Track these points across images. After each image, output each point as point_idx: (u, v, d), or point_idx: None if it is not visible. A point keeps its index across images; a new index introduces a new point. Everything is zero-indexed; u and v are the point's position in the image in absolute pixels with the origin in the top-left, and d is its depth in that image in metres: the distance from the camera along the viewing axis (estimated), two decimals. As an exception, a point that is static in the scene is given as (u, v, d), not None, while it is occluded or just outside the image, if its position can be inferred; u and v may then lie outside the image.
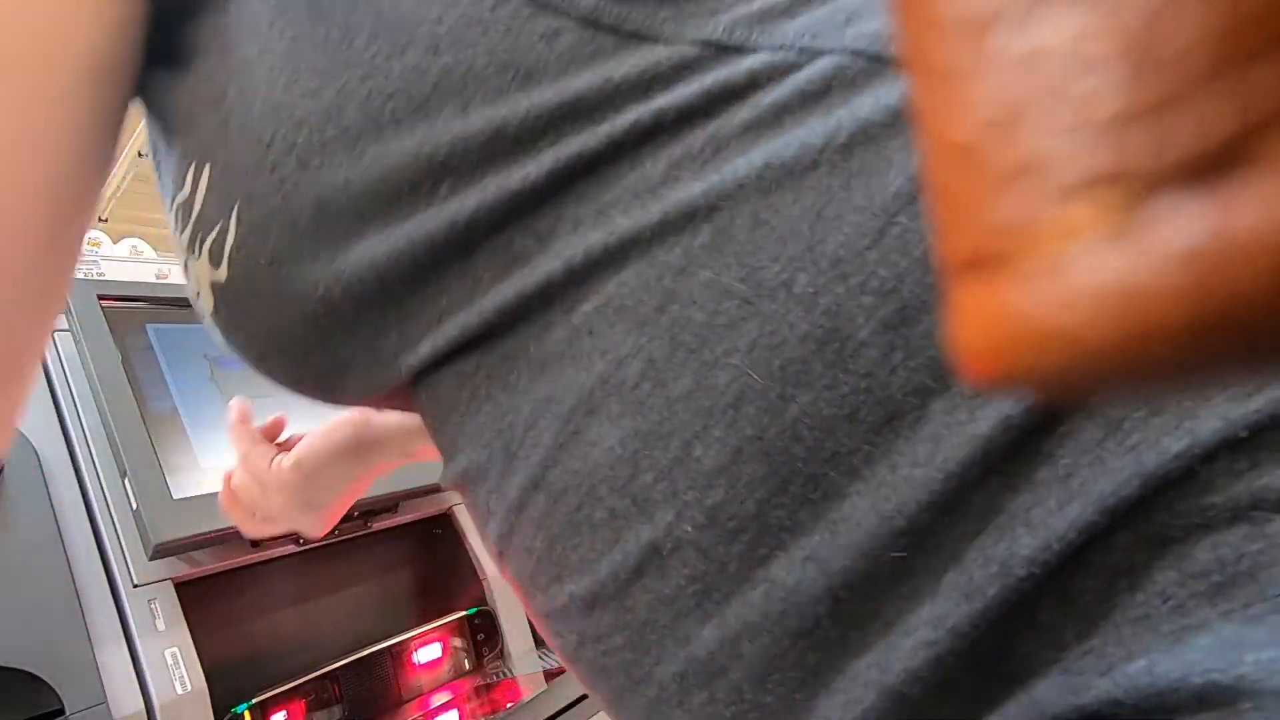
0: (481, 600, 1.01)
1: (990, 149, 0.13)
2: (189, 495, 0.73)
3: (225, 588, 0.84)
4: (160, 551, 0.69)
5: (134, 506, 0.71)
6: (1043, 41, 0.12)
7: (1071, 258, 0.12)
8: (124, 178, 7.42)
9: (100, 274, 0.96)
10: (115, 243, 1.06)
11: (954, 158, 0.14)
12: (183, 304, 0.93)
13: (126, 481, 0.72)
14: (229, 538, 0.74)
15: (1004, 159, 0.13)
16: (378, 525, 0.96)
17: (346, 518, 0.92)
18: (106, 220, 7.55)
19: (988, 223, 0.13)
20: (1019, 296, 0.13)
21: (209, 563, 0.80)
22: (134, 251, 1.07)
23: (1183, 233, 0.11)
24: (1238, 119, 0.11)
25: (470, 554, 1.03)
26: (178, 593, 0.76)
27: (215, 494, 0.75)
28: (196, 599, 0.79)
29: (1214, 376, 0.13)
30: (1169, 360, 0.12)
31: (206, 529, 0.71)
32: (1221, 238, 0.11)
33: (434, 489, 0.98)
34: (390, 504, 0.95)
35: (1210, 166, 0.11)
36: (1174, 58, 0.12)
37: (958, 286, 0.15)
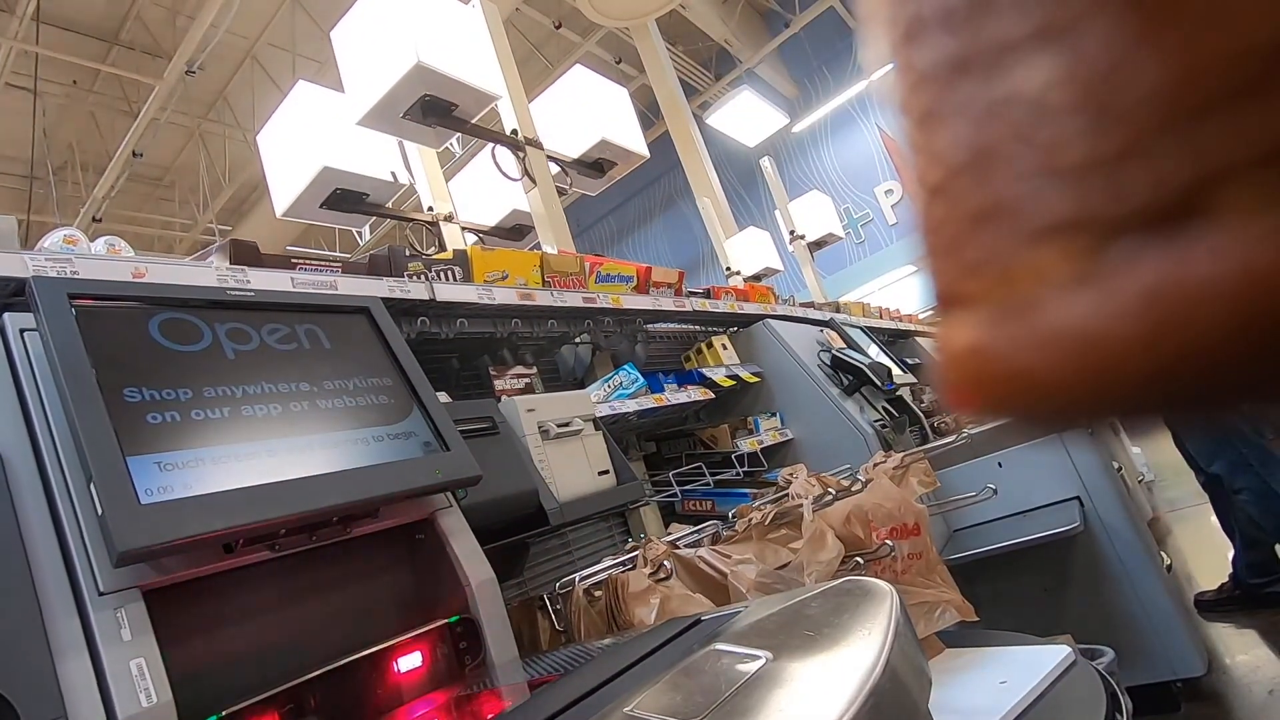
0: (464, 608, 0.99)
1: (962, 191, 0.14)
2: (157, 501, 0.71)
3: (198, 595, 0.81)
4: (125, 559, 0.67)
5: (99, 512, 0.69)
6: (1010, 90, 0.13)
7: (1038, 301, 0.13)
8: (119, 178, 7.40)
9: (74, 272, 0.94)
10: (92, 241, 1.04)
11: (932, 198, 0.15)
12: (159, 303, 0.91)
13: (92, 486, 0.69)
14: (197, 544, 0.72)
15: (975, 201, 0.14)
16: (357, 531, 0.94)
17: (325, 523, 0.90)
18: (101, 220, 7.54)
19: (961, 262, 0.15)
20: (989, 336, 0.14)
21: (181, 569, 0.78)
22: (111, 249, 1.04)
23: (1140, 280, 0.12)
24: (1192, 171, 0.12)
25: (453, 560, 1.01)
26: (147, 601, 0.74)
27: (185, 499, 0.73)
28: (167, 607, 0.77)
29: (1173, 416, 0.13)
30: (1128, 401, 0.13)
31: (173, 536, 0.69)
32: (1176, 286, 0.12)
33: (415, 493, 0.95)
34: (370, 509, 0.93)
35: (1167, 216, 0.12)
36: (1132, 109, 0.12)
37: (942, 320, 0.15)
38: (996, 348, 0.14)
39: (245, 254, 1.13)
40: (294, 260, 1.21)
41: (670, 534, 1.41)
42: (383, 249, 1.39)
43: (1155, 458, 4.12)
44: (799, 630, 0.64)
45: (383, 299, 1.24)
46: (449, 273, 1.48)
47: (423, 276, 1.40)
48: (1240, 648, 2.29)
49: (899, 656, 0.57)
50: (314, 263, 1.25)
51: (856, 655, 0.56)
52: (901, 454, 1.70)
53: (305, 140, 2.19)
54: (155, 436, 0.77)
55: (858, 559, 1.17)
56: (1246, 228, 0.11)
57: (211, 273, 1.06)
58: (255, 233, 8.22)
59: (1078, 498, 2.12)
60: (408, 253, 1.44)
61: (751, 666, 0.56)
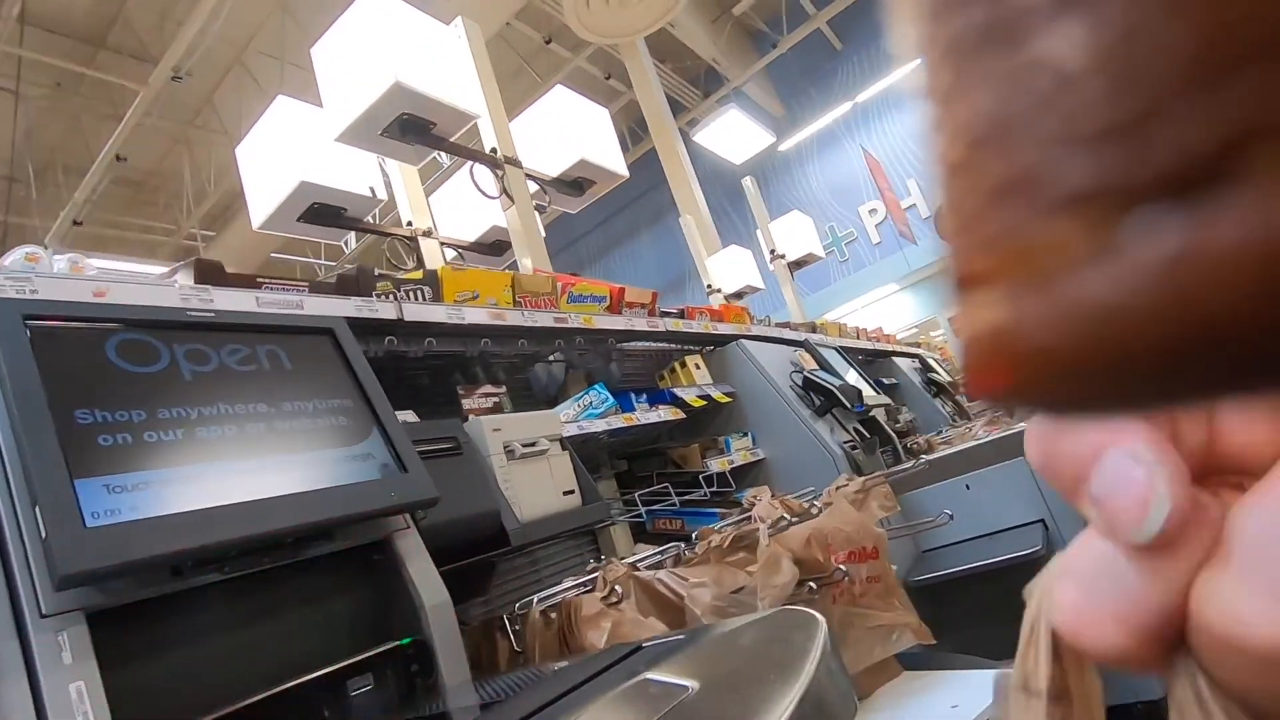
0: (418, 629, 0.99)
1: (983, 165, 0.14)
2: (104, 524, 0.72)
3: (145, 618, 0.81)
4: (67, 582, 0.67)
5: (43, 535, 0.69)
6: (1030, 58, 0.13)
7: (1056, 274, 0.13)
8: (101, 181, 7.34)
9: (34, 291, 0.94)
10: (64, 248, 1.04)
11: (953, 176, 0.14)
12: (118, 324, 0.91)
13: (37, 509, 0.70)
14: (143, 567, 0.72)
15: (995, 174, 0.13)
16: (311, 552, 0.94)
17: (276, 545, 0.90)
18: (81, 224, 7.45)
19: (980, 238, 0.14)
20: (1008, 313, 0.13)
21: (128, 592, 0.78)
22: (75, 267, 1.05)
23: (1162, 249, 0.11)
24: (1214, 135, 0.11)
25: (408, 582, 1.02)
26: (94, 623, 0.74)
27: (132, 522, 0.74)
28: (114, 629, 0.77)
29: (1198, 392, 0.13)
30: (1152, 376, 0.12)
31: (118, 559, 0.69)
32: (1199, 255, 0.11)
33: (370, 516, 0.96)
34: (323, 531, 0.94)
35: (1189, 182, 0.11)
36: (1152, 73, 0.11)
37: (960, 302, 0.15)
38: (1016, 325, 0.13)
39: (210, 273, 1.14)
40: (260, 280, 1.22)
41: (635, 554, 1.42)
42: (352, 268, 1.40)
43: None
44: (729, 660, 0.66)
45: (350, 319, 1.25)
46: (418, 292, 1.49)
47: (391, 296, 1.41)
48: (1200, 671, 2.32)
49: (821, 686, 0.59)
50: (281, 282, 1.26)
51: (779, 686, 0.58)
52: (864, 478, 1.72)
53: (283, 154, 2.20)
54: (106, 459, 0.78)
55: (810, 583, 1.18)
56: (1273, 192, 0.10)
57: (174, 292, 1.07)
58: (239, 239, 8.17)
59: (1042, 520, 2.16)
60: (377, 272, 1.46)
61: (675, 697, 0.58)
